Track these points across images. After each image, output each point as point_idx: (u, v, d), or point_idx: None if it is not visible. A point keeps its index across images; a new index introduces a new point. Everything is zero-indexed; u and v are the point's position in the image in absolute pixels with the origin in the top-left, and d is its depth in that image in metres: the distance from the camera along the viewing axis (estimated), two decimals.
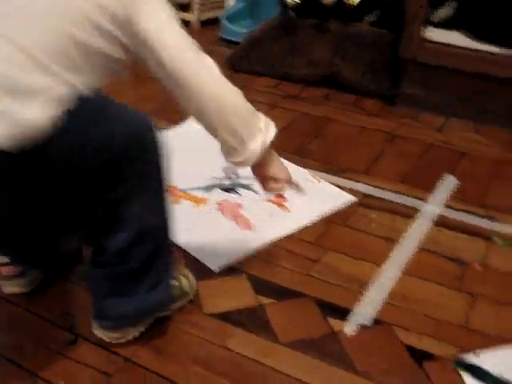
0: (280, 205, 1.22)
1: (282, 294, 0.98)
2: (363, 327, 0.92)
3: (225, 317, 0.93)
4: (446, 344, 0.89)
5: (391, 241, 1.12)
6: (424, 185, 1.31)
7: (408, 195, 1.27)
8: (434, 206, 1.23)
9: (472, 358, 0.86)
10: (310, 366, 0.85)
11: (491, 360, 0.86)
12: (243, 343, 0.89)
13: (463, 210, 1.22)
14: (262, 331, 0.91)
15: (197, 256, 1.06)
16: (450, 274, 1.04)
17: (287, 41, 1.91)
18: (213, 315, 0.94)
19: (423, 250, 1.10)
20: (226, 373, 0.83)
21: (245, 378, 0.83)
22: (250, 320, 0.93)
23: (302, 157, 1.39)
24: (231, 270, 1.03)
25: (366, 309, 0.95)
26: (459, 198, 1.26)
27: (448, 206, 1.23)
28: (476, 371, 0.84)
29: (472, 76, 1.60)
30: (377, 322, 0.93)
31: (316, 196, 1.24)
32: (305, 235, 1.13)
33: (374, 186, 1.29)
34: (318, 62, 1.84)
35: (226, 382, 0.82)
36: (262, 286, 1.00)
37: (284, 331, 0.91)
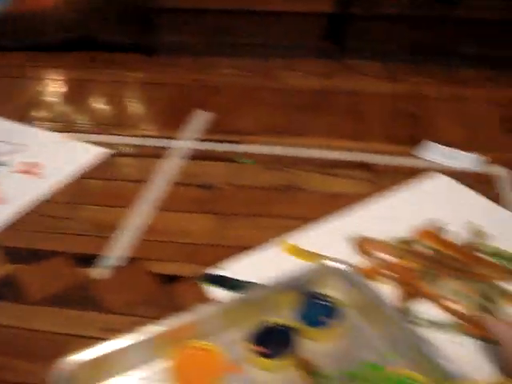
0: (32, 172, 1.19)
1: (35, 256, 0.98)
2: (114, 268, 0.95)
3: None
4: (194, 265, 0.95)
5: (143, 182, 1.15)
6: (177, 124, 1.35)
7: (160, 137, 1.31)
8: (184, 141, 1.28)
9: (216, 271, 0.92)
10: (68, 317, 0.87)
11: (234, 268, 0.93)
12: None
13: (212, 140, 1.29)
14: (15, 297, 0.90)
15: None
16: (199, 199, 1.11)
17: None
18: None
19: (175, 183, 1.15)
20: None
21: (8, 347, 0.82)
22: (5, 289, 0.92)
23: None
24: None
25: (117, 251, 0.98)
26: (209, 130, 1.33)
27: (198, 139, 1.29)
28: (218, 281, 0.91)
29: (215, 12, 1.67)
30: (128, 260, 0.96)
31: (69, 156, 1.23)
32: (60, 196, 1.13)
33: (127, 135, 1.32)
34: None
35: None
36: (15, 254, 0.99)
37: (38, 292, 0.91)
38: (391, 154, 1.22)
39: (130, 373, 0.75)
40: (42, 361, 0.76)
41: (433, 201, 1.06)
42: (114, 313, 0.87)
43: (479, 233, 0.97)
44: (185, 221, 1.05)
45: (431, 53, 1.60)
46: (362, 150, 1.23)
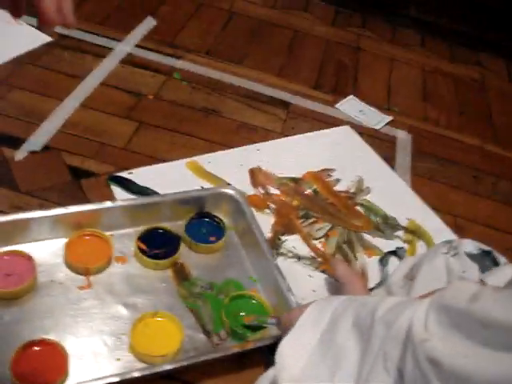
0: None
1: None
2: (33, 153, 1.03)
3: None
4: (107, 165, 1.05)
5: (78, 78, 1.22)
6: (124, 26, 1.40)
7: (104, 36, 1.36)
8: (125, 45, 1.34)
9: (125, 175, 1.02)
10: None
11: (142, 175, 1.03)
12: None
13: (153, 50, 1.35)
14: None
15: None
16: (125, 105, 1.19)
17: None
18: None
19: (105, 85, 1.22)
20: None
21: None
22: None
23: None
24: None
25: (38, 138, 1.07)
26: (152, 39, 1.39)
27: (139, 46, 1.35)
28: (125, 184, 1.01)
29: None
30: (46, 148, 1.05)
31: (13, 38, 1.27)
32: None
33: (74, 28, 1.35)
34: None
35: None
36: None
37: None
38: (313, 99, 1.32)
39: (27, 245, 0.86)
40: None
41: (333, 150, 1.18)
42: (26, 193, 0.97)
43: (361, 186, 1.11)
44: (106, 122, 1.13)
45: (380, 10, 1.68)
46: (287, 89, 1.33)
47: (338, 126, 1.25)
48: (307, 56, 1.46)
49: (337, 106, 1.32)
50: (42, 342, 0.75)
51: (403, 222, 1.05)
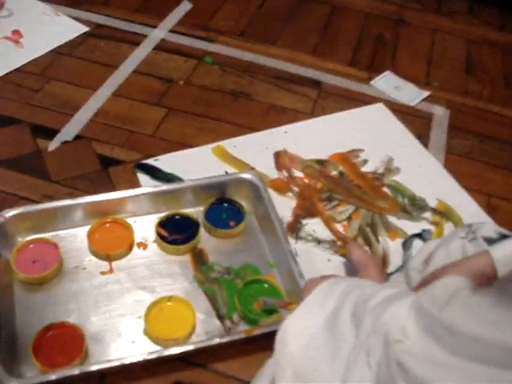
0: (15, 41, 1.29)
1: (2, 121, 1.11)
2: (65, 143, 1.08)
3: None
4: (135, 152, 1.08)
5: (112, 67, 1.26)
6: (160, 12, 1.42)
7: (140, 23, 1.38)
8: (160, 31, 1.36)
9: (151, 162, 1.05)
10: (17, 179, 1.01)
11: (168, 162, 1.06)
12: None
13: (186, 34, 1.36)
14: None
15: None
16: (156, 91, 1.21)
17: None
18: None
19: (137, 72, 1.25)
20: None
21: None
22: None
23: None
24: None
25: (71, 128, 1.11)
26: (187, 23, 1.40)
27: (173, 31, 1.37)
28: (151, 171, 1.04)
29: None
30: (78, 137, 1.09)
31: (51, 29, 1.33)
32: (32, 67, 1.24)
33: (109, 16, 1.39)
34: None
35: None
36: None
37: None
38: (347, 76, 1.30)
39: (55, 233, 0.91)
40: None
41: (363, 130, 1.16)
42: (56, 182, 1.01)
43: (390, 166, 1.08)
44: (136, 110, 1.16)
45: None
46: (320, 68, 1.31)
47: (371, 104, 1.22)
48: (344, 32, 1.43)
49: (372, 82, 1.28)
50: (62, 325, 0.79)
51: (432, 203, 1.02)
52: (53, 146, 1.08)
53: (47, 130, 1.10)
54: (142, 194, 0.95)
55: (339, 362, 0.59)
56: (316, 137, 1.13)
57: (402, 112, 1.21)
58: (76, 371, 0.74)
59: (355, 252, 0.85)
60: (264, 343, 0.79)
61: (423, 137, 1.16)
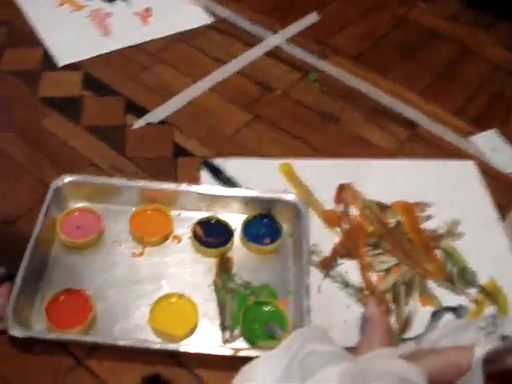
0: (143, 18, 1.39)
1: (103, 90, 1.21)
2: (149, 124, 1.15)
3: (50, 101, 1.18)
4: (208, 149, 1.12)
5: (220, 62, 1.30)
6: (285, 18, 1.45)
7: (262, 25, 1.42)
8: (278, 37, 1.39)
9: (218, 162, 1.09)
10: (95, 145, 1.10)
11: (233, 165, 1.09)
12: (56, 124, 1.14)
13: (301, 45, 1.37)
14: (74, 117, 1.15)
15: (49, 46, 1.27)
16: (250, 96, 1.24)
17: None
18: (42, 98, 1.18)
19: (240, 73, 1.29)
20: (33, 144, 1.09)
21: (43, 148, 1.08)
22: (68, 106, 1.17)
23: None
24: (73, 65, 1.25)
25: (160, 112, 1.18)
26: (306, 34, 1.41)
27: (290, 40, 1.38)
28: (214, 171, 1.08)
29: None
30: (162, 122, 1.16)
31: (179, 15, 1.41)
32: (149, 46, 1.32)
33: (235, 12, 1.44)
34: None
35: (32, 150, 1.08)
36: (90, 81, 1.22)
37: (91, 119, 1.15)
38: (447, 125, 1.24)
39: (103, 206, 0.98)
40: (63, 170, 1.00)
41: (440, 183, 1.10)
42: (128, 159, 1.09)
43: (453, 229, 1.03)
44: (225, 109, 1.20)
45: None
46: (421, 110, 1.26)
47: (462, 158, 1.16)
48: (464, 78, 1.36)
49: (472, 138, 1.22)
50: (78, 292, 0.86)
51: (482, 280, 0.96)
52: (138, 124, 1.15)
53: (139, 108, 1.18)
54: (192, 192, 0.99)
55: None
56: (387, 179, 1.10)
57: (492, 176, 1.14)
58: (71, 337, 0.81)
59: (371, 307, 0.83)
60: None
61: (504, 209, 1.08)
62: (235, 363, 0.79)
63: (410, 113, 1.25)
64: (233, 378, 0.70)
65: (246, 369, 0.65)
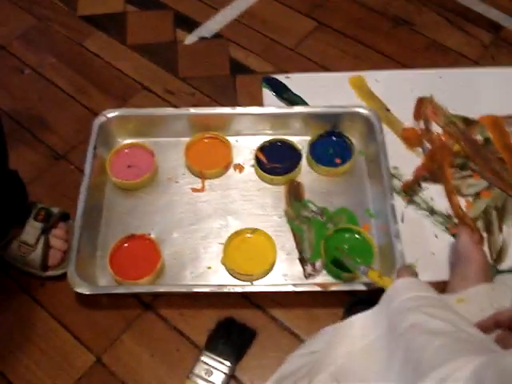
0: None
1: (148, 3, 1.10)
2: (202, 39, 1.04)
3: (91, 19, 1.07)
4: (269, 64, 1.01)
5: None
6: None
7: None
8: None
9: (282, 78, 0.98)
10: (146, 67, 1.00)
11: (299, 82, 0.98)
12: (99, 44, 1.04)
13: None
14: (118, 35, 1.05)
15: None
16: (313, 3, 1.10)
17: None
18: (82, 17, 1.08)
19: None
20: (77, 68, 1.00)
21: (94, 76, 0.99)
22: (111, 24, 1.07)
23: None
24: None
25: (213, 24, 1.06)
26: None
27: None
28: (278, 88, 0.97)
29: None
30: (217, 36, 1.05)
31: None
32: None
33: None
34: None
35: (76, 75, 0.99)
36: None
37: (135, 36, 1.05)
38: None
39: (154, 140, 0.89)
40: (111, 96, 0.94)
41: None
42: (182, 79, 0.99)
43: None
44: (285, 17, 1.08)
45: None
46: (507, 9, 1.10)
47: None
48: None
49: None
50: (143, 237, 0.78)
51: None
52: (190, 39, 1.04)
53: (189, 21, 1.07)
54: (249, 114, 0.88)
55: (391, 374, 0.53)
56: (473, 90, 0.98)
57: None
58: (141, 289, 0.74)
59: (463, 239, 0.74)
60: (329, 303, 0.73)
61: None
62: (311, 302, 0.73)
63: (493, 14, 1.10)
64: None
65: (342, 325, 0.58)
